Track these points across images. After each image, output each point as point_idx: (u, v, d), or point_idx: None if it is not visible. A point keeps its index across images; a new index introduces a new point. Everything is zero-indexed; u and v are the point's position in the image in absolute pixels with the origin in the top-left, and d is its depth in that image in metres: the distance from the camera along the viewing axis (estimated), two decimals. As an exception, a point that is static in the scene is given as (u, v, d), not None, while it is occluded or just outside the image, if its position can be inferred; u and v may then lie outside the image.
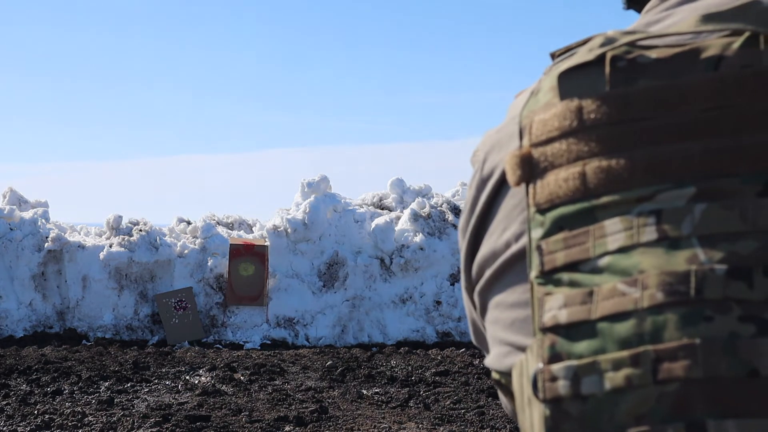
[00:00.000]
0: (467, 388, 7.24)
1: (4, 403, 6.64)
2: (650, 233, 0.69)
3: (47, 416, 6.18)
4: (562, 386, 0.69)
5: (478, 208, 0.84)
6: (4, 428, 5.97)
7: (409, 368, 8.16)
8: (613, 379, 0.67)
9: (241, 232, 11.05)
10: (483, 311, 0.85)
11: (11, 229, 10.20)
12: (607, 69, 0.74)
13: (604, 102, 0.73)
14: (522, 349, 0.76)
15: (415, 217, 10.62)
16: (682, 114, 0.71)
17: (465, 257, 0.87)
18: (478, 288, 0.85)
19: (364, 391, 7.19)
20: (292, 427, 6.00)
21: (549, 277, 0.72)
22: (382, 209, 11.28)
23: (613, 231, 0.71)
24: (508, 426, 6.06)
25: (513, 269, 0.79)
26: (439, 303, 10.23)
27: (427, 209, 10.69)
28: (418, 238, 10.40)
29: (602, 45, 0.76)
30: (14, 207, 10.56)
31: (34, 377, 7.51)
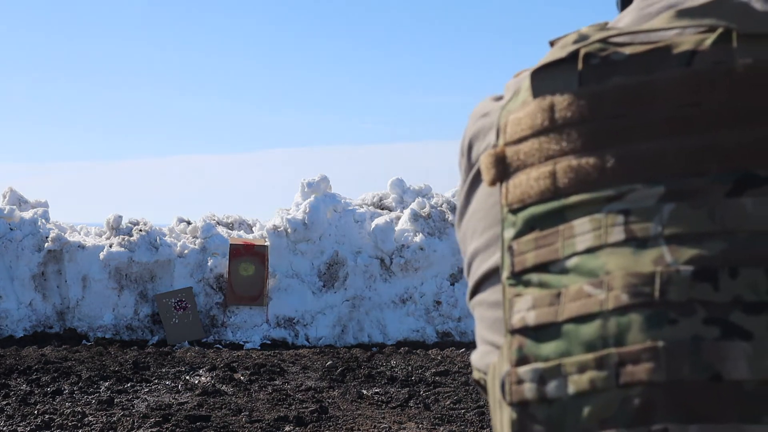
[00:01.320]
0: (467, 388, 7.24)
1: (4, 403, 6.64)
2: (618, 233, 0.68)
3: (47, 416, 6.18)
4: (528, 389, 0.68)
5: (464, 190, 0.85)
6: (4, 428, 5.97)
7: (409, 368, 8.16)
8: (578, 382, 0.67)
9: (241, 232, 11.05)
10: (473, 309, 0.85)
11: (11, 229, 10.20)
12: (580, 66, 0.73)
13: (575, 100, 0.72)
14: (498, 348, 0.76)
15: (415, 217, 10.62)
16: (653, 111, 0.70)
17: (458, 234, 0.87)
18: (469, 288, 0.85)
19: (364, 391, 7.19)
20: (292, 427, 6.00)
21: (519, 278, 0.72)
22: (382, 209, 11.28)
23: (582, 231, 0.70)
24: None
25: (497, 272, 0.78)
26: (439, 303, 10.23)
27: (427, 209, 10.69)
28: (418, 238, 10.40)
29: (575, 42, 0.75)
30: (14, 207, 10.56)
31: (34, 377, 7.51)
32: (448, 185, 12.21)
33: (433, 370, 7.98)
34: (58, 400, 6.81)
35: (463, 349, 9.19)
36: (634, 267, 0.67)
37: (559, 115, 0.72)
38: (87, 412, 6.36)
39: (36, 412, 6.34)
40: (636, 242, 0.68)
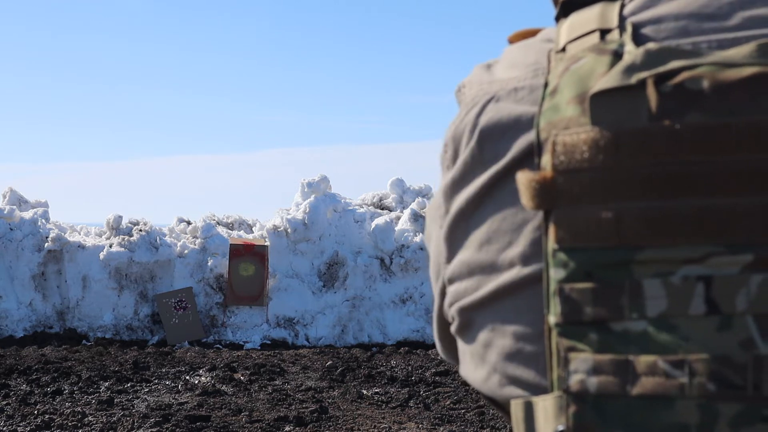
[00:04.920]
0: (467, 388, 7.23)
1: (4, 403, 6.64)
2: (698, 305, 0.61)
3: (47, 416, 6.18)
4: None
5: (473, 190, 0.75)
6: (4, 428, 5.97)
7: (409, 368, 8.16)
8: None
9: (241, 232, 11.05)
10: (466, 326, 0.77)
11: (11, 229, 10.20)
12: (653, 100, 0.64)
13: (646, 137, 0.63)
14: (523, 384, 0.70)
15: (415, 217, 10.61)
16: (740, 161, 0.61)
17: (447, 235, 0.78)
18: (463, 303, 0.76)
19: (364, 391, 7.19)
20: (292, 427, 6.00)
21: (573, 329, 0.64)
22: (382, 209, 11.28)
23: (654, 294, 0.62)
24: (508, 426, 6.06)
25: (519, 295, 0.71)
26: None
27: (427, 209, 10.68)
28: (418, 238, 10.39)
29: (644, 65, 0.65)
30: (14, 207, 10.56)
31: (34, 377, 7.51)
32: (448, 185, 12.15)
33: (433, 370, 7.98)
34: (58, 400, 6.81)
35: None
36: (720, 349, 0.60)
37: (627, 152, 0.63)
38: (87, 412, 6.36)
39: (36, 412, 6.33)
40: (719, 318, 0.60)
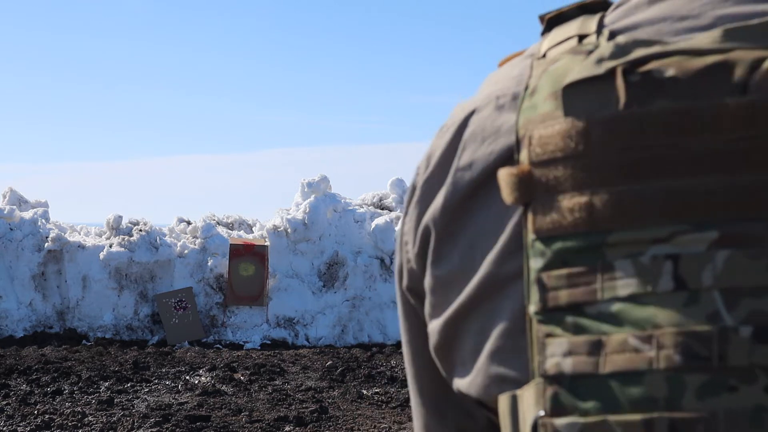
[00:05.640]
0: (467, 388, 7.24)
1: (4, 403, 6.64)
2: (666, 282, 0.62)
3: (47, 416, 6.18)
4: None
5: (447, 197, 0.76)
6: (4, 428, 5.97)
7: (409, 368, 8.17)
8: None
9: (241, 232, 11.05)
10: (451, 340, 0.77)
11: (11, 229, 10.21)
12: (621, 86, 0.66)
13: (615, 124, 0.65)
14: (507, 380, 0.71)
15: (415, 217, 10.62)
16: (704, 143, 0.63)
17: (420, 250, 0.78)
18: (447, 316, 0.76)
19: (364, 391, 7.19)
20: (292, 427, 6.00)
21: (551, 315, 0.66)
22: (382, 209, 11.28)
23: (624, 274, 0.64)
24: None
25: (499, 294, 0.72)
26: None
27: (427, 209, 10.69)
28: (418, 238, 10.40)
29: (613, 55, 0.67)
30: (14, 207, 10.56)
31: (34, 377, 7.51)
32: (448, 185, 12.18)
33: (433, 370, 7.99)
34: (58, 400, 6.81)
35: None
36: (687, 323, 0.61)
37: (597, 140, 0.66)
38: (87, 412, 6.36)
39: (36, 412, 6.34)
40: (687, 293, 0.62)
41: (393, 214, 10.94)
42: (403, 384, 7.46)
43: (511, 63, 0.80)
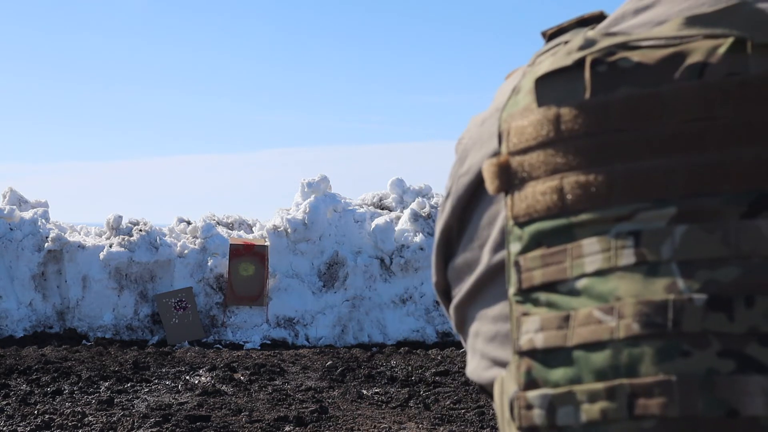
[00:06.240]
0: (467, 388, 7.24)
1: (4, 403, 6.64)
2: (628, 256, 0.66)
3: (47, 416, 6.18)
4: (537, 415, 0.67)
5: (453, 202, 0.83)
6: (4, 428, 5.97)
7: (409, 368, 8.17)
8: (589, 411, 0.65)
9: (241, 232, 11.06)
10: (462, 324, 0.83)
11: (11, 229, 10.21)
12: (587, 75, 0.70)
13: (582, 111, 0.69)
14: (503, 364, 0.74)
15: (415, 217, 10.62)
16: (663, 126, 0.67)
17: (437, 252, 0.85)
18: (456, 301, 0.82)
19: (364, 391, 7.19)
20: (292, 427, 6.00)
21: (527, 295, 0.69)
22: (382, 209, 11.28)
23: (591, 251, 0.67)
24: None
25: (494, 281, 0.76)
26: (439, 303, 10.23)
27: (427, 209, 10.69)
28: (418, 238, 10.40)
29: (581, 48, 0.72)
30: (14, 207, 10.56)
31: (34, 377, 7.51)
32: (448, 185, 12.19)
33: (433, 370, 7.99)
34: (58, 400, 6.82)
35: (463, 349, 9.19)
36: (646, 294, 0.65)
37: (565, 127, 0.70)
38: (87, 412, 6.36)
39: (36, 412, 6.34)
40: (647, 266, 0.65)
41: (393, 214, 10.94)
42: (403, 384, 7.47)
43: (513, 76, 0.84)
